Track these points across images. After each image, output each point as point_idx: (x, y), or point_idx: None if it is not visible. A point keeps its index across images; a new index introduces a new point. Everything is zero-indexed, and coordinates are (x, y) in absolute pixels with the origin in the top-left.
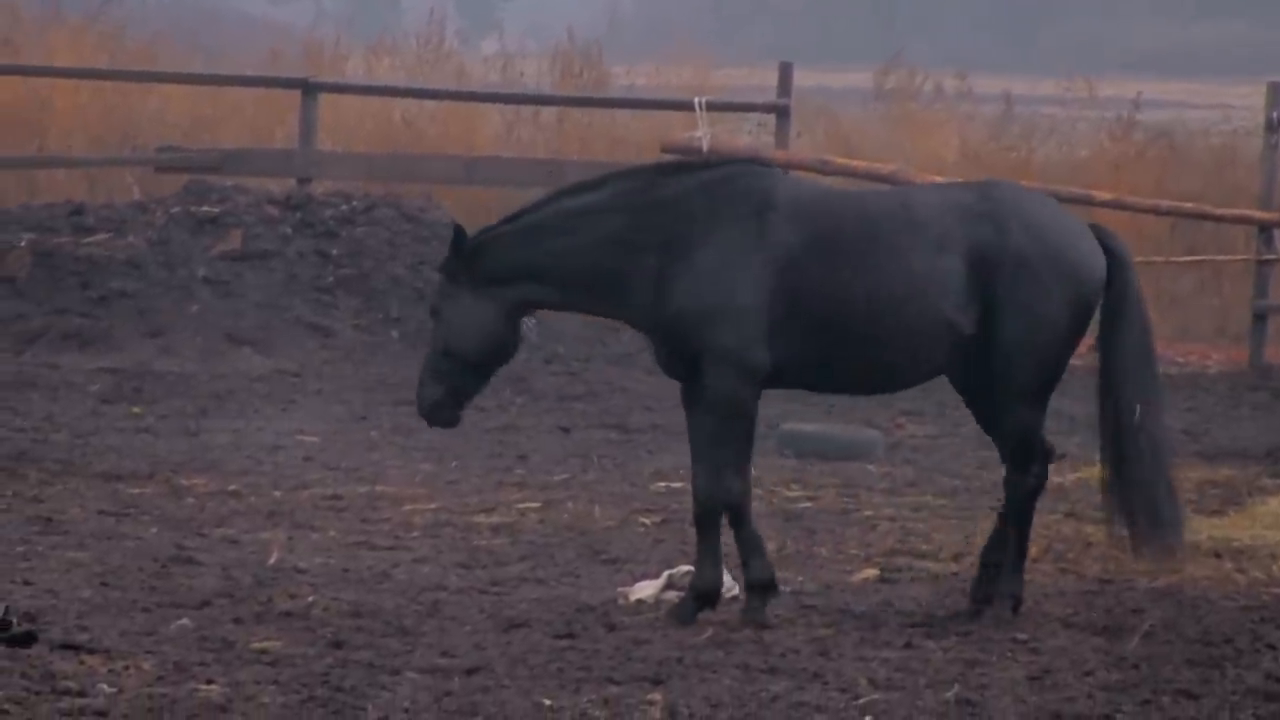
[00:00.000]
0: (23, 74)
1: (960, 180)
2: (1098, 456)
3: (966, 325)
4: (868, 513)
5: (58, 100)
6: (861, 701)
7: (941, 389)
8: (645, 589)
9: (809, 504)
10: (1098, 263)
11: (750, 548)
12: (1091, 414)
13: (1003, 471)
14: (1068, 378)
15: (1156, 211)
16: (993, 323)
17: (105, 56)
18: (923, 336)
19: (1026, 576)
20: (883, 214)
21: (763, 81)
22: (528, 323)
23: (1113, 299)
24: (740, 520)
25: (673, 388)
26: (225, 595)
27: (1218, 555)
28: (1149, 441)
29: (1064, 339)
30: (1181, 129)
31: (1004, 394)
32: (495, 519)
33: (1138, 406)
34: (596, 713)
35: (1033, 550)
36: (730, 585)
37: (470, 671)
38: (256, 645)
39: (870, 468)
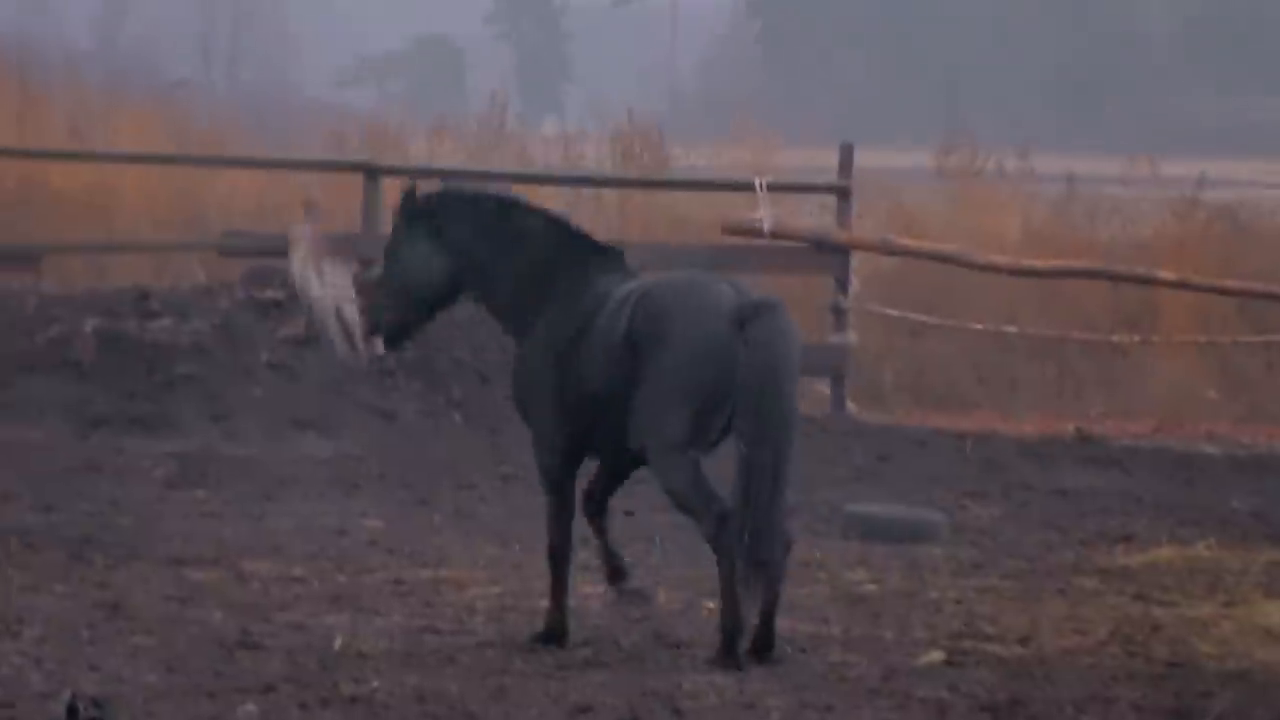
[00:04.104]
0: (91, 160)
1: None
2: (1164, 539)
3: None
4: (933, 595)
5: (125, 185)
6: None
7: (1006, 469)
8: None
9: (873, 586)
10: (698, 341)
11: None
12: (1160, 496)
13: (1068, 554)
14: (1134, 459)
15: (1223, 291)
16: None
17: (172, 143)
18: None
19: (1091, 660)
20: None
21: (824, 162)
22: None
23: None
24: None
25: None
26: (290, 680)
27: None
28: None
29: (676, 398)
30: (1249, 207)
31: None
32: None
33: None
34: None
35: (1100, 633)
36: None
37: None
38: None
39: (935, 549)
